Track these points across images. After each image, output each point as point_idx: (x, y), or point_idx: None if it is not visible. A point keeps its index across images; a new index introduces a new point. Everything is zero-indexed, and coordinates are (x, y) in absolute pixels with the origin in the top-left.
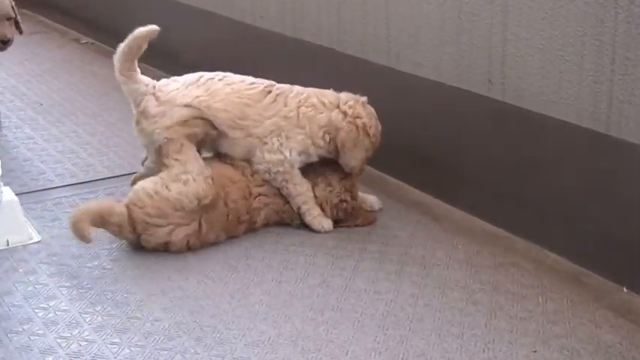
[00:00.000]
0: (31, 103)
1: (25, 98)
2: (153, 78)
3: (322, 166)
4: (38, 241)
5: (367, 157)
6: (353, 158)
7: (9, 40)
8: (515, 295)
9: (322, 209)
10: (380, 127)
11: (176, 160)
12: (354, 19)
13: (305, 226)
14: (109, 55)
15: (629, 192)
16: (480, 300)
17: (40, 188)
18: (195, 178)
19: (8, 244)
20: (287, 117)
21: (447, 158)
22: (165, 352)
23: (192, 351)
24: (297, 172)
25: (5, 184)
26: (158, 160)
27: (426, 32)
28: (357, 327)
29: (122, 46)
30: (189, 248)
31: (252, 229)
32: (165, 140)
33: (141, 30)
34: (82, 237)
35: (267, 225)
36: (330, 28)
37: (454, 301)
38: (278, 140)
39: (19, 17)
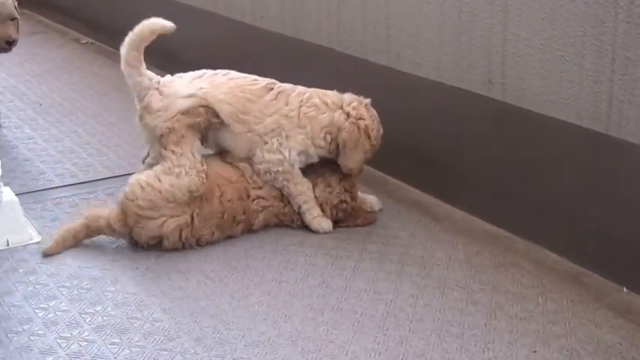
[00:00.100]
0: (31, 103)
1: (25, 98)
2: None
3: (322, 167)
4: (38, 242)
5: (366, 159)
6: (352, 159)
7: (14, 41)
8: (515, 295)
9: (322, 210)
10: (381, 131)
11: (172, 152)
12: (354, 19)
13: (305, 226)
14: (109, 55)
15: (629, 192)
16: (480, 300)
17: (40, 188)
18: (187, 172)
19: (8, 244)
20: (288, 116)
21: (447, 158)
22: (166, 352)
23: (192, 351)
24: (297, 172)
25: (5, 184)
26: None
27: (426, 32)
28: (357, 327)
29: (131, 34)
30: (183, 244)
31: (250, 230)
32: (167, 130)
33: (155, 22)
34: (50, 251)
35: (266, 226)
36: (330, 28)
37: (454, 301)
38: (278, 140)
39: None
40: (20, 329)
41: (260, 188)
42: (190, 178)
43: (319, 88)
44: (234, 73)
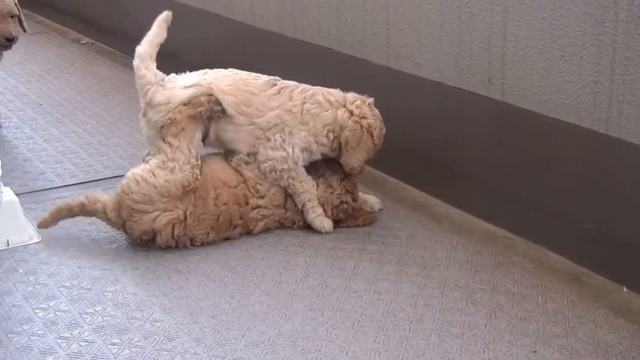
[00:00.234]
0: (31, 104)
1: (25, 98)
2: None
3: (322, 167)
4: (38, 242)
5: (368, 158)
6: (355, 158)
7: (14, 38)
8: (515, 295)
9: (323, 210)
10: (384, 130)
11: (169, 144)
12: (353, 19)
13: (305, 226)
14: (110, 56)
15: (629, 192)
16: (480, 300)
17: (40, 188)
18: (181, 167)
19: (8, 245)
20: (291, 111)
21: (447, 158)
22: (166, 352)
23: (192, 352)
24: (302, 170)
25: (5, 185)
26: None
27: (425, 32)
28: (357, 327)
29: (149, 33)
30: (177, 242)
31: (249, 233)
32: (169, 122)
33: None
34: (44, 223)
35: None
36: (330, 28)
37: (454, 301)
38: (281, 137)
39: (22, 16)
40: (20, 329)
41: (262, 197)
42: (184, 173)
43: (314, 87)
44: (237, 71)
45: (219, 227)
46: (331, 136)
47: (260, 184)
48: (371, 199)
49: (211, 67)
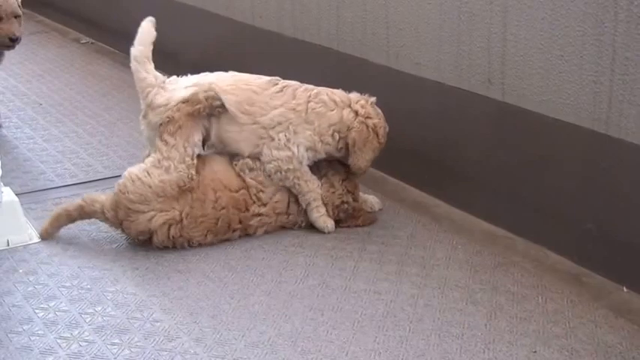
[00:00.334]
0: (31, 103)
1: (25, 98)
2: None
3: (325, 167)
4: (38, 242)
5: (374, 157)
6: (362, 158)
7: (17, 38)
8: (515, 295)
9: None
10: (387, 128)
11: (165, 142)
12: (353, 18)
13: (306, 226)
14: (110, 55)
15: (629, 192)
16: (480, 300)
17: (40, 188)
18: (176, 166)
19: (8, 244)
20: (295, 110)
21: (447, 158)
22: (166, 352)
23: (192, 352)
24: (306, 169)
25: (5, 185)
26: None
27: (425, 32)
28: (357, 327)
29: (138, 34)
30: (174, 243)
31: (249, 235)
32: (167, 120)
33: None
34: (45, 233)
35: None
36: (330, 28)
37: (454, 301)
38: (285, 136)
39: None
40: (20, 329)
41: (264, 205)
42: (179, 173)
43: (318, 87)
44: (237, 73)
45: (218, 230)
46: (337, 136)
47: (262, 192)
48: (371, 199)
49: (211, 67)
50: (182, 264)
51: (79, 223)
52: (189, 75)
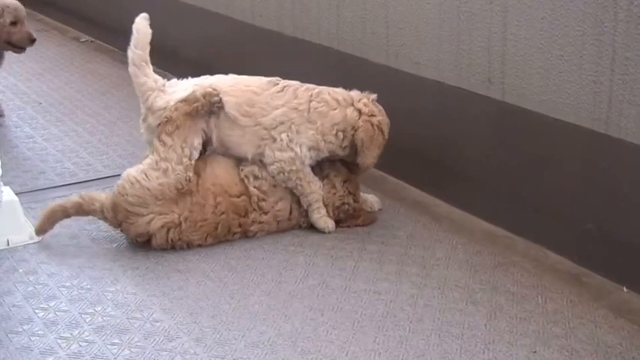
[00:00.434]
0: (31, 102)
1: (25, 97)
2: None
3: (327, 168)
4: (38, 241)
5: (380, 153)
6: (369, 156)
7: (34, 40)
8: (515, 295)
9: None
10: (389, 124)
11: (162, 143)
12: (353, 17)
13: (307, 226)
14: (109, 54)
15: (628, 192)
16: (480, 300)
17: (40, 187)
18: (174, 168)
19: (8, 244)
20: (297, 109)
21: (447, 158)
22: (166, 352)
23: (192, 352)
24: (309, 170)
25: (5, 184)
26: None
27: (425, 31)
28: (357, 327)
29: (133, 33)
30: (172, 245)
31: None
32: (165, 120)
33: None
34: (41, 229)
35: None
36: (330, 27)
37: (454, 301)
38: (287, 136)
39: None
40: (20, 329)
41: (265, 214)
42: (177, 176)
43: (319, 86)
44: (237, 75)
45: (217, 234)
46: (340, 135)
47: (264, 201)
48: (371, 199)
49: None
50: (182, 264)
51: (79, 222)
52: (189, 78)
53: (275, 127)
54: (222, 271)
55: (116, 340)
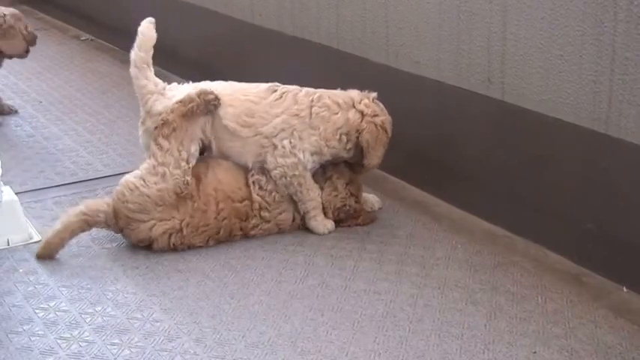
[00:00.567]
0: (31, 101)
1: (25, 96)
2: None
3: (330, 170)
4: (39, 241)
5: (384, 151)
6: (375, 156)
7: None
8: (515, 295)
9: (324, 212)
10: (391, 121)
11: (159, 146)
12: (353, 17)
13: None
14: (109, 52)
15: (629, 192)
16: (480, 300)
17: (40, 187)
18: (172, 172)
19: (9, 244)
20: (299, 115)
21: (447, 157)
22: (166, 352)
23: (192, 352)
24: (309, 176)
25: (5, 183)
26: None
27: (425, 31)
28: (357, 328)
29: (138, 35)
30: (174, 249)
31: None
32: (161, 122)
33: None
34: (44, 253)
35: None
36: (329, 27)
37: (454, 301)
38: (290, 142)
39: None
40: (20, 329)
41: (267, 222)
42: (175, 180)
43: (318, 86)
44: (235, 82)
45: (219, 238)
46: (344, 139)
47: (267, 211)
48: (371, 198)
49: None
50: (182, 264)
51: None
52: (189, 80)
53: (276, 135)
54: (222, 271)
55: (116, 340)
